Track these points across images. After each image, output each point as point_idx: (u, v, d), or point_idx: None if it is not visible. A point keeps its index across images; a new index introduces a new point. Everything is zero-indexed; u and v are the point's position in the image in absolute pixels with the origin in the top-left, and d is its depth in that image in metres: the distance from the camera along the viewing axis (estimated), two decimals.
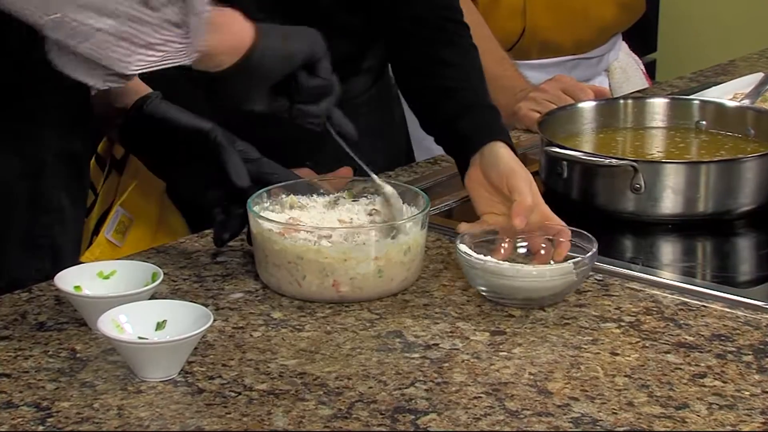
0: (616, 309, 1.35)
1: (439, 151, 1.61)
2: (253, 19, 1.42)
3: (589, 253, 1.35)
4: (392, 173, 1.76)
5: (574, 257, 1.35)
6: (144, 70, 1.20)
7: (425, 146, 1.90)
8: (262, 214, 1.38)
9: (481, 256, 1.34)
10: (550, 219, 1.43)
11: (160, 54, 1.19)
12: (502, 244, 1.40)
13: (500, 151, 1.46)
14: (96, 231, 1.66)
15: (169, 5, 1.19)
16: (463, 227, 1.43)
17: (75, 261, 1.43)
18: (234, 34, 1.29)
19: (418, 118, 1.60)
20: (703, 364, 1.23)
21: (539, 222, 1.42)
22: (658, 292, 1.39)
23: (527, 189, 1.42)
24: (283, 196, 1.43)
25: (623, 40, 2.39)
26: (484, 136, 1.48)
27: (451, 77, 1.54)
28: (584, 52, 2.27)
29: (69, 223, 1.44)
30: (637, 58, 2.42)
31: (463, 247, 1.36)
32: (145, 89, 1.47)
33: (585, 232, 1.39)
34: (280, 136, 1.50)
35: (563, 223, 1.42)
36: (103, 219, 1.68)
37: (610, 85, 2.33)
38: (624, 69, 2.35)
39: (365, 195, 1.45)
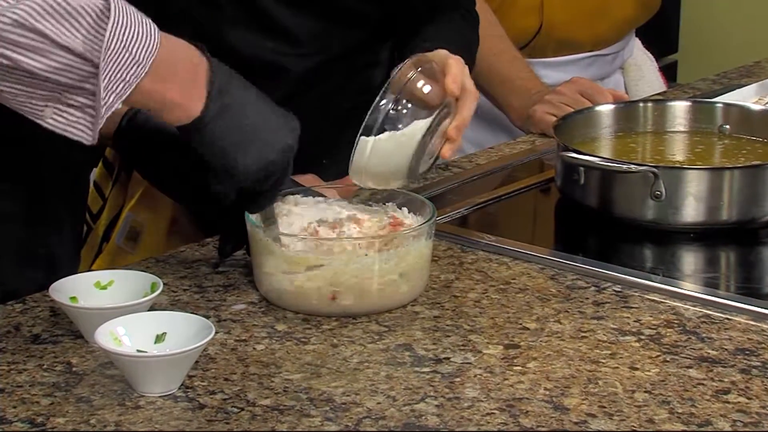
0: (635, 321, 1.35)
1: None
2: (268, 8, 1.41)
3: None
4: None
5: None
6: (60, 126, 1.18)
7: None
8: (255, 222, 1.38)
9: None
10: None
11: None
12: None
13: (438, 51, 1.44)
14: (106, 237, 1.67)
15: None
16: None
17: (73, 272, 1.43)
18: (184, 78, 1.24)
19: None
20: (726, 380, 1.23)
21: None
22: (679, 304, 1.39)
23: (457, 66, 1.40)
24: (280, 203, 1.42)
25: (636, 36, 2.39)
26: (423, 46, 1.47)
27: (432, 33, 1.57)
28: (601, 49, 2.27)
29: (66, 234, 1.44)
30: (651, 55, 2.42)
31: None
32: None
33: None
34: (316, 131, 1.51)
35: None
36: (113, 225, 1.68)
37: (625, 83, 2.33)
38: (639, 66, 2.35)
39: (370, 203, 1.45)
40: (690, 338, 1.31)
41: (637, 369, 1.25)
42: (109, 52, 1.15)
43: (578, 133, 1.73)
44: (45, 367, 1.25)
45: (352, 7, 1.66)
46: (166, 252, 1.52)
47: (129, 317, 1.24)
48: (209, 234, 1.56)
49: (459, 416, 1.16)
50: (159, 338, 1.23)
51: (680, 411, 1.18)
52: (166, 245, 1.64)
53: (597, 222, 1.62)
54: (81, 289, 1.31)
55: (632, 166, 1.58)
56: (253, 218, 1.38)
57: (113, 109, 1.18)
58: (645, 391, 1.21)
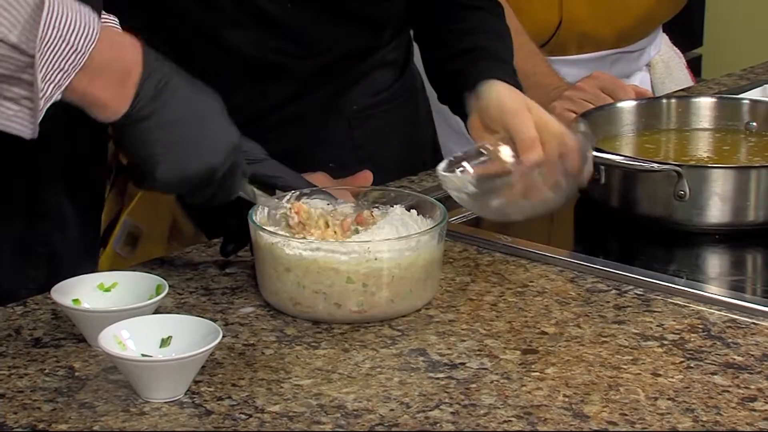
0: (658, 326, 1.35)
1: None
2: (269, 9, 1.41)
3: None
4: (415, 178, 1.76)
5: None
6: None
7: (448, 149, 1.91)
8: (259, 221, 1.38)
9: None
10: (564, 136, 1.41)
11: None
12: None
13: (497, 87, 1.44)
14: (103, 243, 1.67)
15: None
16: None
17: (80, 272, 1.43)
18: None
19: (436, 91, 1.61)
20: (753, 387, 1.23)
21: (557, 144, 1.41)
22: (704, 308, 1.39)
23: (527, 124, 1.40)
24: (285, 203, 1.42)
25: (664, 32, 2.38)
26: (481, 74, 1.46)
27: (471, 40, 1.55)
28: (625, 45, 2.26)
29: (72, 231, 1.44)
30: (679, 51, 2.42)
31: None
32: None
33: None
34: (301, 137, 1.51)
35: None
36: (110, 230, 1.68)
37: (651, 81, 2.33)
38: (666, 63, 2.35)
39: (377, 206, 1.45)
40: (715, 344, 1.31)
41: (659, 375, 1.25)
42: (45, 41, 1.16)
43: (599, 130, 1.73)
44: (46, 371, 1.26)
45: (355, 9, 1.67)
46: (171, 254, 1.53)
47: (133, 320, 1.25)
48: (211, 239, 1.57)
49: (475, 423, 1.17)
50: (164, 342, 1.23)
51: (705, 419, 1.18)
52: (165, 252, 1.64)
53: (618, 223, 1.62)
54: (84, 291, 1.31)
55: (655, 164, 1.58)
56: (256, 220, 1.38)
57: (52, 100, 1.19)
58: (668, 399, 1.21)
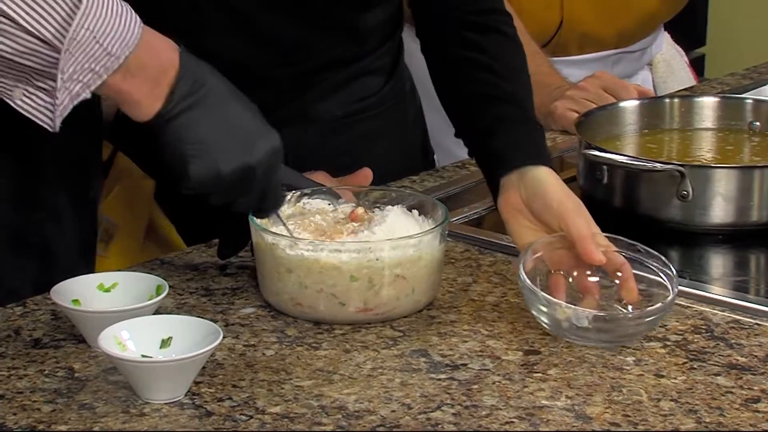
0: (661, 327, 1.35)
1: (462, 154, 1.60)
2: (252, 15, 1.39)
3: (674, 292, 1.32)
4: (416, 178, 1.76)
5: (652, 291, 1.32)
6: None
7: (446, 148, 1.91)
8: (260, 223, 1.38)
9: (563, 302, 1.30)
10: (609, 252, 1.36)
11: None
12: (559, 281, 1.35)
13: (546, 178, 1.39)
14: None
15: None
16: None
17: (75, 266, 1.43)
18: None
19: (453, 124, 1.57)
20: (756, 388, 1.23)
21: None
22: (707, 309, 1.39)
23: (585, 224, 1.36)
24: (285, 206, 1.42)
25: (666, 31, 2.38)
26: (523, 157, 1.42)
27: (493, 83, 1.49)
28: (626, 45, 2.26)
29: (67, 223, 1.44)
30: (681, 50, 2.41)
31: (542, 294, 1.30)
32: None
33: (652, 252, 1.34)
34: (298, 139, 1.51)
35: (622, 258, 1.36)
36: None
37: (653, 80, 2.33)
38: (668, 62, 2.35)
39: (378, 205, 1.45)
40: (718, 344, 1.31)
41: (662, 376, 1.25)
42: (75, 42, 1.16)
43: (601, 130, 1.73)
44: (46, 372, 1.26)
45: (340, 17, 1.66)
46: (172, 255, 1.53)
47: (133, 321, 1.25)
48: (188, 239, 1.57)
49: (477, 425, 1.17)
50: (164, 343, 1.23)
51: (708, 420, 1.18)
52: (140, 250, 1.64)
53: (621, 223, 1.61)
54: (83, 292, 1.31)
55: (658, 164, 1.58)
56: (257, 221, 1.38)
57: (80, 98, 1.19)
58: (671, 400, 1.21)
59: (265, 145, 1.29)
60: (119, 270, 1.43)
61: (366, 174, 1.58)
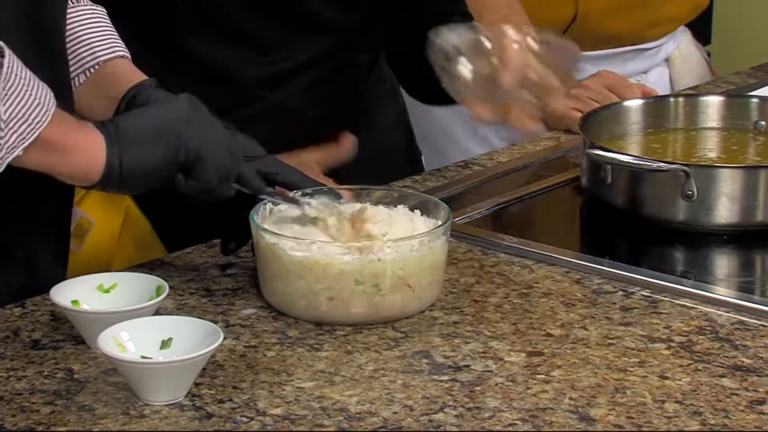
0: (665, 328, 1.35)
1: (453, 153, 1.60)
2: (232, 15, 1.40)
3: None
4: (419, 178, 1.76)
5: None
6: None
7: (442, 149, 1.91)
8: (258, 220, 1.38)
9: None
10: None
11: None
12: None
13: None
14: None
15: None
16: None
17: (56, 274, 1.42)
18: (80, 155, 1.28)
19: (417, 97, 1.61)
20: (761, 390, 1.23)
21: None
22: (711, 310, 1.39)
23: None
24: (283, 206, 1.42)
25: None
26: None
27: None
28: (642, 43, 2.23)
29: (48, 235, 1.43)
30: (700, 45, 2.37)
31: None
32: (140, 77, 1.44)
33: None
34: (273, 136, 1.50)
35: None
36: None
37: (670, 76, 2.29)
38: (686, 58, 2.29)
39: (380, 205, 1.45)
40: (723, 346, 1.31)
41: (667, 378, 1.25)
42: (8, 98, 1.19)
43: (605, 129, 1.73)
44: (45, 373, 1.26)
45: (319, 14, 1.66)
46: (171, 254, 1.53)
47: (133, 322, 1.25)
48: (164, 238, 1.56)
49: (479, 427, 1.17)
50: (164, 344, 1.23)
51: (713, 422, 1.17)
52: (114, 247, 1.63)
53: (625, 223, 1.62)
54: (83, 293, 1.31)
55: (662, 164, 1.58)
56: (257, 219, 1.38)
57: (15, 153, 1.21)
58: (675, 402, 1.21)
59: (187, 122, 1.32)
60: (90, 265, 1.43)
61: (346, 141, 1.59)
